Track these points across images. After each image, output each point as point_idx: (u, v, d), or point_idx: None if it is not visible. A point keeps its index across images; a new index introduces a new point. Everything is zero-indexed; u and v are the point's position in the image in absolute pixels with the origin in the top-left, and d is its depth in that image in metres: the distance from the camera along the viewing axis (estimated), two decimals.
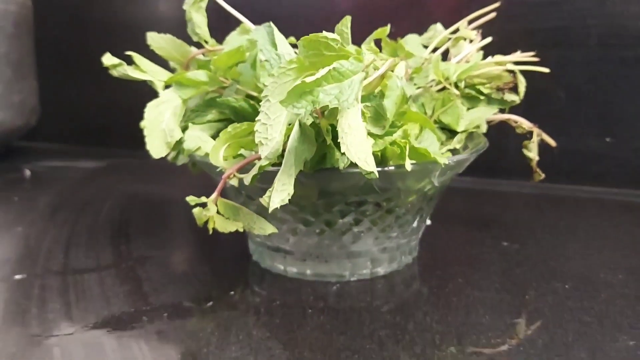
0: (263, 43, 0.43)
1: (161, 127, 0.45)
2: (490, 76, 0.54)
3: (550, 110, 0.76)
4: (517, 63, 0.54)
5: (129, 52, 0.49)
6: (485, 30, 0.58)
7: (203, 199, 0.39)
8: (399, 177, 0.41)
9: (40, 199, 0.72)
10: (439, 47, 0.57)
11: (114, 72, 0.49)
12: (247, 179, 0.39)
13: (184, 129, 0.47)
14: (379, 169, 0.39)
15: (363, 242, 0.46)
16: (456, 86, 0.53)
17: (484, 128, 0.54)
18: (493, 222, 0.63)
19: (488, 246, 0.55)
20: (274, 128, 0.36)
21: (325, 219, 0.44)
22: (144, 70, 0.49)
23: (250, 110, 0.45)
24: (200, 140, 0.44)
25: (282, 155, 0.37)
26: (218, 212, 0.40)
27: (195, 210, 0.40)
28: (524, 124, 0.55)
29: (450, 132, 0.53)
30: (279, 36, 0.43)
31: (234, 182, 0.40)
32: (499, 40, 0.58)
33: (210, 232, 0.40)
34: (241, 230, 0.40)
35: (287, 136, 0.37)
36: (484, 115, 0.53)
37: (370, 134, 0.40)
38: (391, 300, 0.44)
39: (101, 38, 0.99)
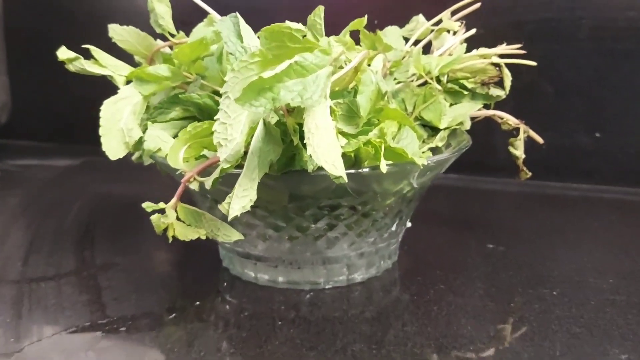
0: (228, 34, 0.40)
1: (119, 125, 0.41)
2: (475, 70, 0.51)
3: (538, 105, 0.73)
4: (502, 56, 0.51)
5: (86, 46, 0.45)
6: (470, 22, 0.55)
7: (161, 204, 0.36)
8: (375, 179, 0.38)
9: (7, 201, 0.69)
10: (421, 39, 0.54)
11: (70, 67, 0.46)
12: (208, 182, 0.36)
13: (147, 128, 0.44)
14: (352, 171, 0.36)
15: (338, 247, 0.43)
16: (438, 81, 0.50)
17: (467, 125, 0.51)
18: (477, 222, 0.60)
19: (472, 249, 0.52)
20: (234, 127, 0.33)
21: (297, 223, 0.41)
22: (103, 64, 0.45)
23: (216, 107, 0.41)
24: (160, 141, 0.41)
25: (245, 157, 0.34)
26: (178, 219, 0.37)
27: (154, 217, 0.37)
28: (510, 120, 0.52)
29: (432, 130, 0.51)
30: (245, 27, 0.40)
31: (194, 186, 0.37)
32: (485, 33, 0.55)
33: (170, 240, 0.37)
34: (203, 237, 0.37)
35: (251, 136, 0.35)
36: (467, 111, 0.50)
37: (342, 133, 0.37)
38: (368, 310, 0.41)
39: (76, 31, 0.95)
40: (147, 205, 0.36)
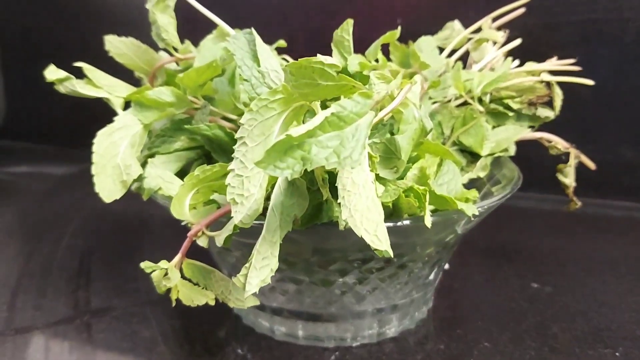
0: (242, 56, 0.33)
1: (115, 161, 0.35)
2: (521, 88, 0.44)
3: (577, 115, 0.66)
4: (552, 72, 0.45)
5: (78, 64, 0.39)
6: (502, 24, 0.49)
7: (163, 264, 0.31)
8: (416, 231, 0.32)
9: None
10: (457, 48, 0.48)
11: (61, 89, 0.39)
12: (220, 239, 0.30)
13: (148, 158, 0.38)
14: (391, 224, 0.30)
15: (369, 301, 0.37)
16: (480, 100, 0.44)
17: (512, 151, 0.45)
18: (515, 252, 0.54)
19: (515, 289, 0.46)
20: (251, 181, 0.27)
21: (321, 278, 0.35)
22: (98, 85, 0.39)
23: (228, 139, 0.36)
24: (161, 181, 0.35)
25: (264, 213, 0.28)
26: (183, 277, 0.32)
27: (155, 275, 0.31)
28: (560, 144, 0.46)
29: (472, 155, 0.44)
30: (262, 46, 0.34)
31: (202, 242, 0.31)
32: (519, 36, 0.48)
33: (173, 304, 0.31)
34: (212, 303, 0.32)
35: (271, 186, 0.29)
36: (513, 135, 0.44)
37: (378, 178, 0.31)
38: None
39: (74, 27, 0.89)
40: (146, 266, 0.30)
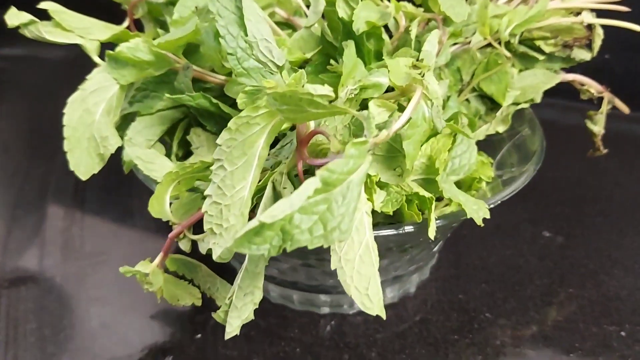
0: (226, 23, 0.28)
1: (90, 132, 0.32)
2: (557, 29, 0.38)
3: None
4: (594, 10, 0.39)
5: (43, 4, 0.34)
6: None
7: (143, 265, 0.28)
8: (420, 233, 0.29)
9: None
10: None
11: (26, 33, 0.35)
12: (203, 247, 0.28)
13: (126, 118, 0.34)
14: (392, 232, 0.28)
15: None
16: (507, 43, 0.38)
17: (538, 99, 0.40)
18: (531, 187, 0.50)
19: (525, 241, 0.44)
20: (231, 209, 0.24)
21: (316, 258, 0.33)
22: (68, 28, 0.34)
23: (213, 109, 0.32)
24: (141, 161, 0.31)
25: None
26: (167, 271, 0.30)
27: (138, 276, 0.29)
28: (593, 87, 0.41)
29: (492, 102, 0.40)
30: (250, 6, 0.29)
31: (184, 246, 0.28)
32: None
33: (159, 301, 0.30)
34: (198, 303, 0.30)
35: (257, 198, 0.26)
36: (541, 84, 0.39)
37: (380, 183, 0.27)
38: (398, 356, 0.35)
39: None
40: (125, 271, 0.28)
